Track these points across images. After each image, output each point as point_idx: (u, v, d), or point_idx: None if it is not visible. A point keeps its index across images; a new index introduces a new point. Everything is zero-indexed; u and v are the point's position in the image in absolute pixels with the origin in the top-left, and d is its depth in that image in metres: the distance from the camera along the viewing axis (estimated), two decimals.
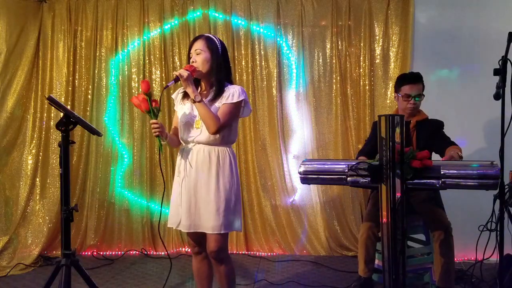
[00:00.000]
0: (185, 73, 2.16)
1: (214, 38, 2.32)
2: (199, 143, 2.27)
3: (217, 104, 2.24)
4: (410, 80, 2.84)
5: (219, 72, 2.27)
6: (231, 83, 2.34)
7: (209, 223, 2.22)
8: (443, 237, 2.68)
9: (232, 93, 2.24)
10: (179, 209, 2.30)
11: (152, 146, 3.97)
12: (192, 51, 2.28)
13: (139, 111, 3.89)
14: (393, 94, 3.75)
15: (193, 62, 2.26)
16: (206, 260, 2.42)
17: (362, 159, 2.73)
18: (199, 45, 2.27)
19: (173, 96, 2.49)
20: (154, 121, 2.23)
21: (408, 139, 2.84)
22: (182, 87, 2.41)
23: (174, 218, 2.34)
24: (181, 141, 2.37)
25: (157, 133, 2.23)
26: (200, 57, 2.25)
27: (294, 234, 3.90)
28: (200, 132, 2.25)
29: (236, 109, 2.28)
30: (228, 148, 2.31)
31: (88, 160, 3.96)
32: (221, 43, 2.33)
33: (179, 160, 2.34)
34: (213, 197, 2.22)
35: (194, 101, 2.19)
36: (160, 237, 2.58)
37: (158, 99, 2.28)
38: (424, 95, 2.88)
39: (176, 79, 2.21)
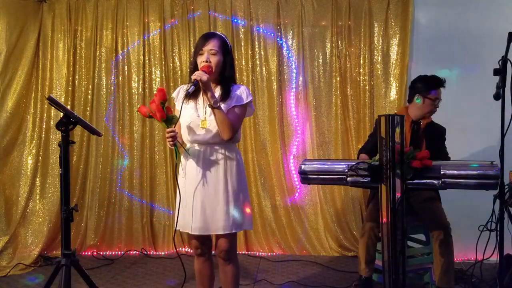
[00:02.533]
0: (205, 77, 2.08)
1: (227, 40, 2.28)
2: (205, 143, 2.24)
3: (225, 105, 2.20)
4: (441, 84, 2.90)
5: (229, 76, 2.26)
6: (235, 82, 2.32)
7: (219, 223, 2.20)
8: (442, 237, 2.69)
9: (240, 95, 2.21)
10: (186, 211, 2.26)
11: (152, 146, 3.97)
12: (206, 49, 2.20)
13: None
14: (393, 94, 3.76)
15: (206, 61, 2.18)
16: (208, 261, 2.40)
17: (363, 157, 2.74)
18: (214, 45, 2.20)
19: (173, 94, 2.38)
20: (171, 129, 2.13)
21: (418, 139, 2.86)
22: (183, 85, 2.37)
23: (181, 220, 2.28)
24: (186, 141, 2.32)
25: (175, 141, 2.15)
26: (215, 58, 2.19)
27: (294, 234, 3.90)
28: (207, 133, 2.21)
29: (244, 110, 2.26)
30: (233, 148, 2.29)
31: (88, 160, 3.96)
32: (230, 44, 2.31)
33: (184, 161, 2.29)
34: (222, 197, 2.20)
35: (212, 107, 2.12)
36: (173, 240, 2.54)
37: (176, 107, 2.21)
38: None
39: (196, 83, 2.11)
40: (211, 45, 2.20)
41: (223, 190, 2.21)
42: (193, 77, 2.11)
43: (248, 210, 2.30)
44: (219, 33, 2.32)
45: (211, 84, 2.24)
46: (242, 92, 2.23)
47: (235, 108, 2.21)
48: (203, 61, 2.19)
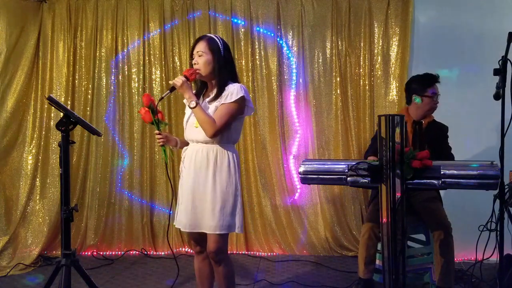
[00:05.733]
0: (179, 81, 2.20)
1: (216, 39, 2.29)
2: (198, 142, 2.29)
3: (216, 103, 2.23)
4: (436, 80, 2.90)
5: (221, 73, 2.26)
6: (236, 81, 2.31)
7: (207, 223, 2.23)
8: (443, 237, 2.68)
9: (231, 92, 2.21)
10: (180, 208, 2.32)
11: (152, 146, 3.97)
12: (194, 52, 2.27)
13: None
14: (393, 94, 3.76)
15: (195, 64, 2.26)
16: (207, 259, 2.41)
17: (372, 159, 2.74)
18: (200, 47, 2.26)
19: (184, 101, 2.44)
20: (156, 132, 2.29)
21: (421, 140, 2.86)
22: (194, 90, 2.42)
23: (178, 217, 2.36)
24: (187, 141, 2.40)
25: (161, 143, 2.29)
26: (201, 59, 2.24)
27: (294, 234, 3.90)
28: (199, 132, 2.25)
29: (236, 108, 2.23)
30: (228, 148, 2.28)
31: (88, 160, 3.96)
32: (223, 42, 2.30)
33: (182, 160, 2.37)
34: (209, 197, 2.22)
35: (190, 107, 2.22)
36: (167, 240, 2.59)
37: (167, 95, 2.34)
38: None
39: (172, 89, 2.25)
40: (198, 48, 2.27)
41: (211, 190, 2.23)
42: (170, 82, 2.26)
43: (238, 212, 2.28)
44: (209, 34, 2.34)
45: (211, 84, 2.32)
46: (233, 89, 2.22)
47: (222, 105, 2.21)
48: (193, 64, 2.27)
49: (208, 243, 2.27)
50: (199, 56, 2.25)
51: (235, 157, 2.30)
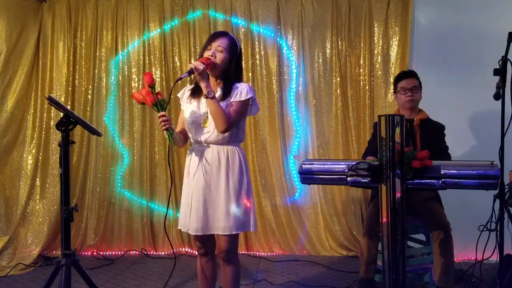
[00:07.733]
0: (200, 66, 2.10)
1: (237, 41, 2.30)
2: (207, 143, 2.24)
3: (225, 102, 2.21)
4: (404, 75, 3.01)
5: (234, 75, 2.26)
6: (240, 81, 2.31)
7: (220, 224, 2.19)
8: (442, 237, 2.68)
9: (240, 91, 2.21)
10: (187, 210, 2.26)
11: (152, 146, 3.97)
12: (214, 45, 2.22)
13: (139, 111, 3.93)
14: (393, 94, 3.77)
15: (211, 56, 2.20)
16: (211, 261, 2.39)
17: (371, 159, 2.74)
18: (223, 42, 2.22)
19: (178, 94, 2.42)
20: (162, 113, 2.15)
21: (412, 136, 2.87)
22: (189, 86, 2.39)
23: (183, 220, 2.30)
24: (191, 141, 2.33)
25: (166, 125, 2.14)
26: (221, 55, 2.21)
27: (294, 234, 3.90)
28: (209, 132, 2.22)
29: (244, 107, 2.24)
30: (237, 147, 2.28)
31: (88, 160, 3.96)
32: (239, 44, 2.32)
33: (188, 161, 2.31)
34: (223, 198, 2.19)
35: (206, 97, 2.14)
36: (167, 237, 2.60)
37: (169, 92, 2.24)
38: (420, 88, 2.96)
39: (190, 72, 2.13)
40: (219, 42, 2.22)
41: (225, 190, 2.20)
42: (189, 65, 2.13)
43: (251, 211, 2.27)
44: (231, 34, 2.33)
45: (215, 80, 2.29)
46: (243, 89, 2.22)
47: (233, 103, 2.21)
48: (209, 55, 2.20)
49: (219, 243, 2.25)
50: (219, 51, 2.21)
51: (243, 156, 2.30)
